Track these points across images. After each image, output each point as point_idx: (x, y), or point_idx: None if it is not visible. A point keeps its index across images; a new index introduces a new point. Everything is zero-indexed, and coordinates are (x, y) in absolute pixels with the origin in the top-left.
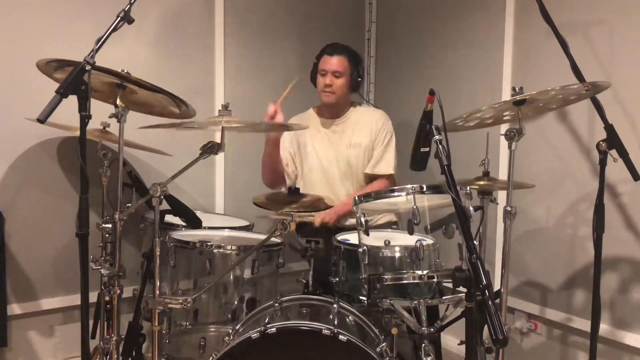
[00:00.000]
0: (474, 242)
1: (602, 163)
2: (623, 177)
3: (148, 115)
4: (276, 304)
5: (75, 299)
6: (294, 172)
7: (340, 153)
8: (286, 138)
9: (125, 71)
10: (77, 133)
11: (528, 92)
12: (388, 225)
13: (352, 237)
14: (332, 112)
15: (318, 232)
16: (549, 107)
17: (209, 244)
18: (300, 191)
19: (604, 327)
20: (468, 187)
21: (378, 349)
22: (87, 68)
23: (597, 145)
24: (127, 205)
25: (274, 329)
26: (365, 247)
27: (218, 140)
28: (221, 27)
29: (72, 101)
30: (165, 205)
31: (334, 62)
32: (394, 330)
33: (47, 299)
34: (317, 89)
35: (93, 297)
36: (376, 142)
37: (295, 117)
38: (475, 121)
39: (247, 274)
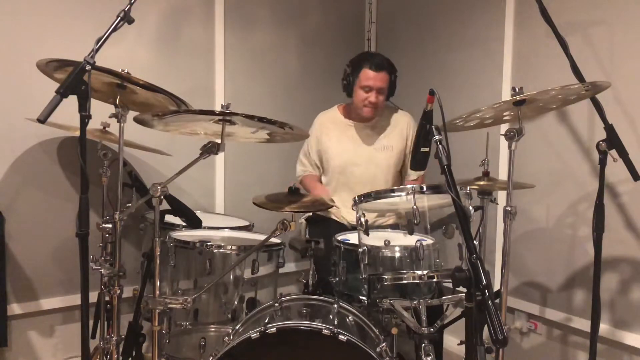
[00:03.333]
0: (474, 242)
1: (602, 163)
2: (623, 177)
3: None
4: (276, 304)
5: (75, 299)
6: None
7: (369, 155)
8: (312, 145)
9: (125, 71)
10: (77, 133)
11: (528, 92)
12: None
13: (352, 237)
14: (364, 117)
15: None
16: (549, 107)
17: (209, 244)
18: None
19: (604, 327)
20: (468, 187)
21: (378, 349)
22: (87, 68)
23: (597, 145)
24: (127, 205)
25: (274, 329)
26: (365, 247)
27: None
28: (221, 27)
29: (72, 101)
30: (165, 205)
31: (379, 79)
32: (394, 330)
33: (47, 299)
34: (356, 100)
35: (93, 297)
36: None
37: (321, 114)
38: (475, 121)
39: (247, 274)
